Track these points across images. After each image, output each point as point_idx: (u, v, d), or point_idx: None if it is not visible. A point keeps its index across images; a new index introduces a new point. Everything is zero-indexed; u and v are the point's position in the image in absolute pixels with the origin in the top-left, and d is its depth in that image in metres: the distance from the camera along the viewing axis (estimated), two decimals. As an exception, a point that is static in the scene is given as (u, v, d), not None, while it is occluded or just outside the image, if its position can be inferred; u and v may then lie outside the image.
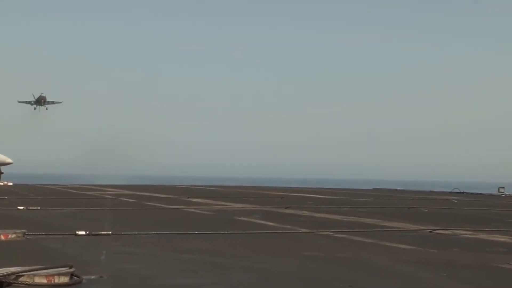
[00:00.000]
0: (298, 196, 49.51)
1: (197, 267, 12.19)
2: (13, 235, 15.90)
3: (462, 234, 19.76)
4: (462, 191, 66.59)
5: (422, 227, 21.49)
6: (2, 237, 15.63)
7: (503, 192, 64.91)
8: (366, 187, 79.90)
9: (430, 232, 20.19)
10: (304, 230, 20.41)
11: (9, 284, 9.48)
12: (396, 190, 72.84)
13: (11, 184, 66.70)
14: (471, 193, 64.01)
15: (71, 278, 9.89)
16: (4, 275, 9.51)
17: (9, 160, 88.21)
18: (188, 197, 42.84)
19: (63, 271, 9.90)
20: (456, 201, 45.22)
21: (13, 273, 9.62)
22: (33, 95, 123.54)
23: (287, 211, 30.36)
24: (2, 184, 66.86)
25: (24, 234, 16.21)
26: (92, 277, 10.48)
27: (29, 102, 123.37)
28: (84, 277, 10.14)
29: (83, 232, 17.26)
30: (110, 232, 17.77)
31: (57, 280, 9.72)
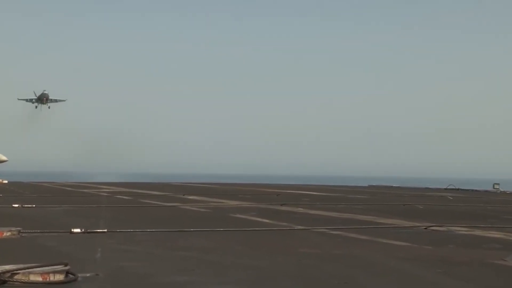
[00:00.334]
0: (293, 193, 49.56)
1: (193, 265, 12.18)
2: (8, 233, 15.87)
3: (458, 230, 19.80)
4: (457, 187, 66.79)
5: (418, 224, 21.52)
6: (-3, 235, 15.63)
7: (498, 189, 65.03)
8: (361, 184, 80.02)
9: (425, 228, 20.21)
10: (299, 227, 20.41)
11: (4, 282, 9.46)
12: (391, 187, 72.99)
13: (6, 182, 66.52)
14: (466, 190, 64.15)
15: (66, 276, 9.87)
16: (-1, 273, 9.51)
17: (3, 158, 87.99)
18: (184, 195, 42.84)
19: (58, 269, 9.89)
20: (451, 198, 45.30)
21: (8, 271, 9.60)
22: (34, 93, 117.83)
23: (283, 208, 30.38)
24: None
25: (19, 232, 16.18)
26: (88, 274, 10.46)
27: (30, 100, 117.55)
28: (79, 275, 10.13)
29: (78, 230, 17.24)
30: (106, 230, 17.75)
31: (52, 278, 9.70)
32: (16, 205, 28.16)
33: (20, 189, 48.84)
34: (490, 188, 65.66)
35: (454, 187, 66.50)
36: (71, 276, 9.93)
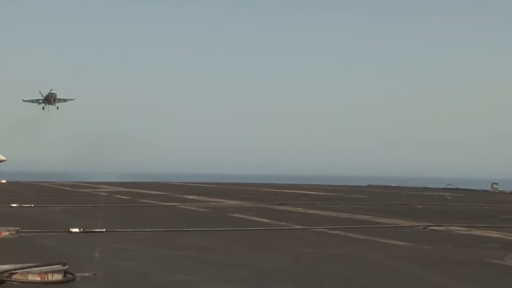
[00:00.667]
0: (292, 193, 49.55)
1: (192, 264, 12.17)
2: (7, 233, 15.84)
3: (456, 230, 19.79)
4: (455, 187, 66.77)
5: (416, 224, 21.51)
6: (-4, 235, 15.61)
7: (497, 188, 65.04)
8: (360, 184, 80.00)
9: (423, 228, 20.20)
10: (298, 226, 20.40)
11: (2, 281, 9.44)
12: (390, 186, 72.95)
13: (4, 181, 66.45)
14: (465, 189, 64.16)
15: (64, 275, 9.85)
16: (-3, 273, 9.49)
17: (2, 158, 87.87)
18: (182, 194, 42.82)
19: (57, 269, 9.86)
20: (449, 197, 45.30)
21: (6, 271, 9.57)
22: (40, 93, 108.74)
23: (282, 207, 30.36)
24: None
25: (17, 231, 16.14)
26: (86, 274, 10.44)
27: (37, 101, 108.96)
28: (77, 274, 10.11)
29: (77, 229, 17.22)
30: (104, 229, 17.72)
31: (50, 277, 9.68)
32: (15, 205, 28.12)
33: (19, 189, 48.81)
34: (488, 188, 65.66)
35: (452, 187, 66.49)
36: (69, 275, 9.91)
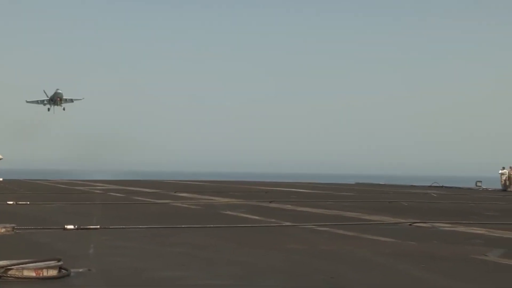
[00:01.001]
0: (282, 190, 49.57)
1: (185, 260, 12.16)
2: (3, 230, 15.80)
3: (441, 226, 19.85)
4: (441, 185, 66.93)
5: (402, 220, 21.57)
6: (-8, 232, 15.56)
7: (480, 186, 65.31)
8: (349, 182, 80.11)
9: (410, 225, 20.26)
10: (288, 223, 20.42)
11: (-1, 277, 9.43)
12: (377, 184, 73.09)
13: (1, 179, 66.20)
14: (450, 187, 64.38)
15: (59, 271, 9.85)
16: (-7, 269, 9.46)
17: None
18: (175, 192, 42.76)
19: (52, 265, 9.85)
20: (435, 195, 45.45)
21: (2, 267, 9.56)
22: (44, 92, 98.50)
23: (272, 205, 30.38)
24: None
25: (13, 228, 16.11)
26: (80, 270, 10.43)
27: (42, 102, 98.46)
28: (72, 270, 10.10)
29: (71, 226, 17.19)
30: (98, 226, 17.70)
31: (45, 273, 9.67)
32: (11, 202, 28.03)
33: (15, 187, 48.63)
34: (472, 186, 65.93)
35: (438, 185, 66.65)
36: (64, 271, 9.90)
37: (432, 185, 66.79)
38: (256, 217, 22.65)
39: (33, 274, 9.62)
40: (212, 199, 34.90)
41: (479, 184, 66.56)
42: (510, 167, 66.08)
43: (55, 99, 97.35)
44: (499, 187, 64.21)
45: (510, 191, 60.51)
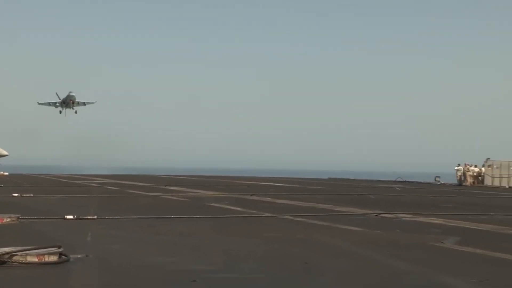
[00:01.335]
0: (262, 184, 49.58)
1: (174, 248, 12.14)
2: (8, 219, 15.68)
3: (404, 217, 19.95)
4: (404, 180, 67.31)
5: (369, 211, 21.65)
6: (-2, 221, 15.43)
7: (439, 181, 65.81)
8: (322, 177, 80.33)
9: (376, 215, 20.33)
10: (267, 214, 20.43)
11: (4, 262, 9.36)
12: (348, 179, 73.36)
13: (7, 174, 65.62)
14: (412, 182, 64.76)
15: (59, 257, 9.80)
16: (-1, 255, 9.40)
17: (5, 153, 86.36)
18: (165, 186, 42.62)
19: (53, 251, 9.81)
20: (399, 189, 45.69)
21: (7, 253, 9.50)
22: (56, 95, 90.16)
23: (253, 197, 30.38)
24: None
25: (18, 218, 15.99)
26: (79, 256, 10.37)
27: (53, 104, 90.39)
28: (71, 256, 10.04)
29: (71, 216, 17.08)
30: (96, 216, 17.60)
31: (47, 259, 9.63)
32: (16, 195, 27.83)
33: (20, 180, 48.24)
34: (432, 181, 66.39)
35: (401, 180, 66.99)
36: (64, 257, 9.86)
37: (396, 180, 67.11)
38: (238, 209, 22.65)
39: (35, 259, 9.57)
40: (199, 192, 34.84)
41: (438, 179, 67.06)
42: (465, 164, 66.69)
43: (68, 102, 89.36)
44: (455, 182, 64.80)
45: (465, 185, 61.11)
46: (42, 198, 27.36)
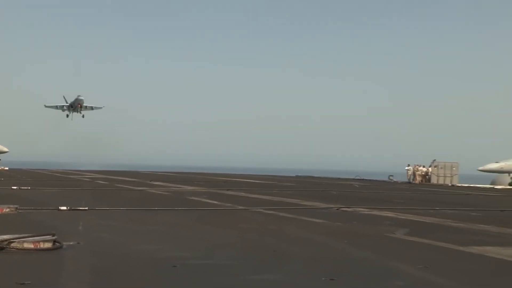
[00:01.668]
0: (237, 181, 49.59)
1: (158, 236, 12.05)
2: (7, 209, 15.44)
3: (361, 211, 20.11)
4: (362, 178, 67.89)
5: (331, 206, 21.78)
6: (-2, 211, 15.18)
7: (392, 179, 66.51)
8: (290, 174, 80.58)
9: (337, 209, 20.45)
10: (241, 207, 20.42)
11: (2, 248, 9.23)
12: (313, 177, 73.73)
13: (7, 168, 64.69)
14: (369, 180, 65.34)
15: (53, 244, 9.68)
16: (-2, 242, 9.26)
17: (5, 149, 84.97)
18: (150, 181, 42.38)
19: (47, 238, 9.70)
20: (357, 186, 46.07)
21: (6, 240, 9.39)
22: (64, 98, 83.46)
23: (228, 192, 30.35)
24: None
25: (16, 208, 15.75)
26: (71, 243, 10.25)
27: (61, 107, 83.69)
28: (64, 243, 9.93)
29: (64, 208, 16.88)
30: (87, 208, 17.41)
31: (42, 245, 9.52)
32: (15, 187, 27.46)
33: (19, 175, 47.53)
34: (386, 179, 67.07)
35: (360, 178, 67.60)
36: (57, 244, 9.74)
37: (355, 178, 67.70)
38: (216, 202, 22.61)
39: (31, 246, 9.44)
40: (180, 187, 34.69)
41: (391, 177, 67.80)
42: (415, 165, 67.49)
43: (76, 106, 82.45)
44: (406, 180, 65.57)
45: (414, 183, 61.87)
46: (39, 190, 26.98)
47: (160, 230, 13.14)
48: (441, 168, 66.12)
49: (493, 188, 56.07)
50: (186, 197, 25.75)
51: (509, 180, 63.35)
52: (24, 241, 9.46)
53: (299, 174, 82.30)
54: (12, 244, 9.35)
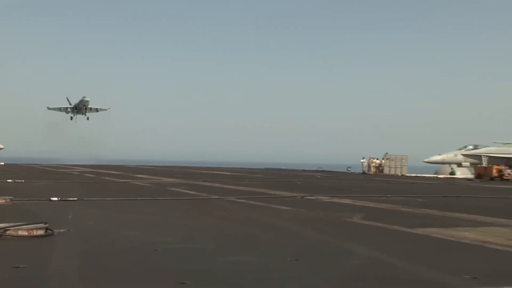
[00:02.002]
0: (212, 173, 49.45)
1: (141, 224, 11.95)
2: (3, 200, 15.12)
3: (322, 198, 20.25)
4: (323, 169, 68.44)
5: (296, 194, 21.90)
6: (-6, 202, 14.86)
7: (350, 170, 67.21)
8: (260, 167, 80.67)
9: (301, 198, 20.57)
10: (215, 197, 20.38)
11: (-1, 236, 9.05)
12: (280, 169, 73.98)
13: (2, 163, 63.25)
14: (330, 171, 65.91)
15: (45, 231, 9.54)
16: (-6, 230, 9.09)
17: (0, 146, 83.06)
18: (134, 174, 41.96)
19: (40, 226, 9.56)
20: (319, 177, 46.41)
21: (1, 228, 9.23)
22: (67, 100, 73.35)
23: (205, 183, 30.26)
24: None
25: (11, 199, 15.44)
26: (62, 230, 10.10)
27: (65, 109, 73.60)
28: (55, 230, 9.78)
29: (56, 198, 16.61)
30: (76, 198, 17.16)
31: (35, 233, 9.38)
32: (10, 180, 26.91)
33: (13, 169, 46.53)
34: (345, 170, 67.77)
35: (321, 169, 68.14)
36: (49, 231, 9.60)
37: (318, 169, 68.20)
38: (193, 192, 22.52)
39: (25, 233, 9.29)
40: (161, 179, 34.43)
41: (349, 169, 68.51)
42: (370, 158, 68.29)
43: (80, 107, 72.08)
44: (362, 171, 66.35)
45: (369, 174, 62.66)
46: (32, 183, 26.48)
47: (143, 218, 13.03)
48: (392, 160, 67.14)
49: (436, 177, 57.16)
50: (167, 188, 25.58)
51: (450, 170, 64.63)
52: (18, 229, 9.30)
53: (268, 167, 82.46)
54: (8, 232, 9.18)
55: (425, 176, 57.45)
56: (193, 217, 13.47)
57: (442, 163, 66.32)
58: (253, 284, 6.28)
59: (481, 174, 56.07)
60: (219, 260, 7.75)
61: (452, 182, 43.96)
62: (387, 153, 68.49)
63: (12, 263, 7.02)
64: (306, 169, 73.08)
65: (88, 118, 73.89)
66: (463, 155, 64.13)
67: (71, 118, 73.58)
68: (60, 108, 74.05)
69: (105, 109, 75.17)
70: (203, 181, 32.34)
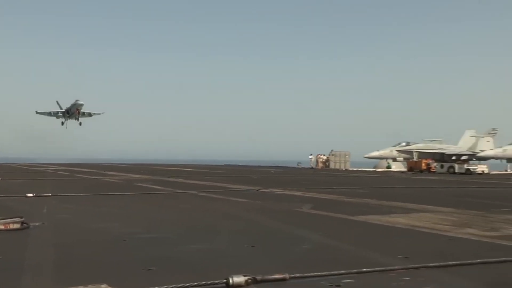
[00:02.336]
0: (177, 169, 48.98)
1: (111, 217, 11.71)
2: (-21, 198, 14.46)
3: (276, 191, 20.42)
4: (277, 165, 68.97)
5: (252, 187, 22.00)
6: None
7: (300, 165, 68.03)
8: (220, 164, 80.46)
9: (257, 190, 20.68)
10: (179, 191, 20.22)
11: (-25, 231, 8.66)
12: (238, 165, 74.03)
13: (-22, 163, 60.38)
14: (282, 167, 66.52)
15: (21, 225, 9.23)
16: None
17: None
18: (105, 171, 41.04)
19: (16, 220, 9.26)
20: (273, 172, 46.75)
21: (-22, 223, 8.81)
22: (57, 104, 60.71)
23: (170, 179, 29.94)
24: None
25: (-13, 196, 14.78)
26: (37, 223, 9.80)
27: (55, 114, 61.12)
28: (31, 224, 9.48)
29: (31, 194, 16.07)
30: (50, 194, 16.65)
31: (11, 226, 9.08)
32: (-14, 179, 25.75)
33: (-11, 168, 44.56)
34: (295, 165, 68.53)
35: (275, 165, 68.61)
36: (25, 225, 9.29)
37: (272, 165, 68.66)
38: (159, 187, 22.24)
39: (2, 227, 8.97)
40: (128, 175, 33.82)
41: (299, 164, 69.34)
42: (317, 154, 69.30)
43: (73, 111, 59.94)
44: (310, 166, 67.27)
45: (316, 168, 63.62)
46: (8, 180, 25.49)
47: (112, 211, 12.79)
48: (337, 156, 68.40)
49: (375, 171, 58.63)
50: (134, 183, 25.16)
51: (386, 164, 66.40)
52: (-5, 224, 8.95)
53: (227, 164, 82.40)
54: (-16, 227, 8.82)
55: (365, 170, 58.81)
56: (158, 210, 13.32)
57: (380, 158, 68.14)
58: (214, 268, 6.29)
59: (413, 167, 57.96)
60: (183, 248, 7.70)
61: (388, 174, 45.20)
62: (332, 149, 69.75)
63: (-11, 255, 6.75)
64: (262, 165, 73.42)
65: (80, 124, 61.96)
66: (398, 151, 66.10)
67: (62, 123, 61.80)
68: (50, 112, 62.43)
69: (99, 114, 63.48)
70: (168, 177, 32.00)
